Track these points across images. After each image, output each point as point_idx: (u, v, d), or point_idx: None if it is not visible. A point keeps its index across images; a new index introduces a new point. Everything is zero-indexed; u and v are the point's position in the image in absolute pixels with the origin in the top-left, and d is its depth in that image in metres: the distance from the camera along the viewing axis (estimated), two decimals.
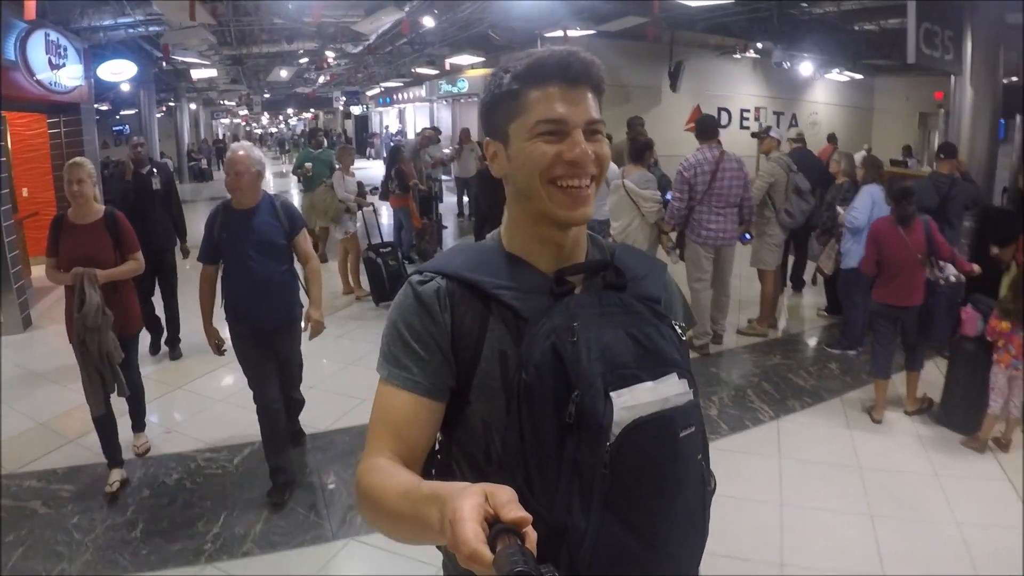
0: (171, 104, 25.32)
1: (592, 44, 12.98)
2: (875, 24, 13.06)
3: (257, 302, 4.21)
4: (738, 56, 14.37)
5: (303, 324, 4.51)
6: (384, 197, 10.47)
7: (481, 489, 0.95)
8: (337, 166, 9.47)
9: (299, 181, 11.37)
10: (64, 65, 9.97)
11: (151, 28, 11.65)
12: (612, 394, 1.18)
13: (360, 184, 9.47)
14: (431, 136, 12.45)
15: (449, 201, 15.17)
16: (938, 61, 7.26)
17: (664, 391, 1.22)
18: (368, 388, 1.37)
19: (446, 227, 13.06)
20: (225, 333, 4.44)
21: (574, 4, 10.74)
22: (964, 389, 5.19)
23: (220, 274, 4.32)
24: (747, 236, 6.80)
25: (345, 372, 6.40)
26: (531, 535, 0.91)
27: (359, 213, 9.17)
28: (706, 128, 6.58)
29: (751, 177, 6.73)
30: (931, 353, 6.02)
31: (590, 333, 1.23)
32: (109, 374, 4.40)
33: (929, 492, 4.44)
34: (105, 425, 4.52)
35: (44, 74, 9.44)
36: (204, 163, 26.74)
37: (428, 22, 11.08)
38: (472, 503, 0.92)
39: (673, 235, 6.69)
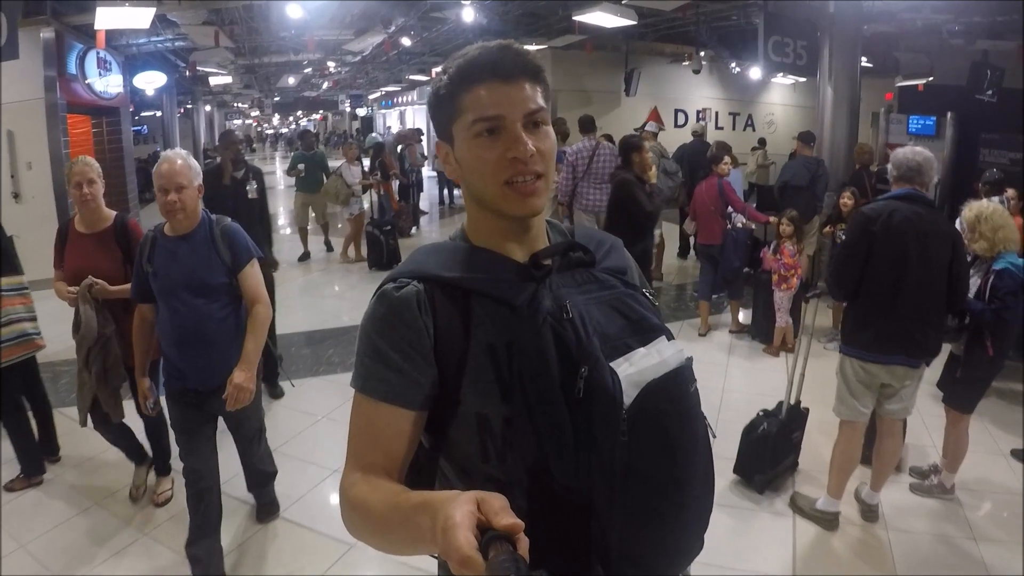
0: (188, 106, 26.92)
1: (555, 53, 15.21)
2: None
3: (188, 356, 3.40)
4: (686, 63, 16.47)
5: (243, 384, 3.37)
6: (377, 185, 12.55)
7: (472, 496, 0.96)
8: (343, 159, 11.49)
9: (295, 181, 11.91)
10: (109, 75, 12.40)
11: (177, 43, 13.96)
12: (612, 364, 1.22)
13: (363, 171, 11.79)
14: (409, 136, 14.78)
15: (432, 193, 17.65)
16: (789, 67, 9.39)
17: (660, 354, 1.28)
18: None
19: (426, 212, 15.44)
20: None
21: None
22: (763, 310, 7.23)
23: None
24: None
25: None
26: (523, 542, 0.92)
27: (369, 193, 11.56)
28: (585, 125, 8.69)
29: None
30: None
31: (580, 310, 1.27)
32: (110, 403, 3.99)
33: (717, 372, 6.46)
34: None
35: (96, 84, 11.88)
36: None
37: (406, 42, 13.25)
38: (464, 510, 0.93)
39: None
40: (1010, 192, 6.86)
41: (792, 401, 4.60)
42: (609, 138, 9.22)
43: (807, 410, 4.68)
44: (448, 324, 1.32)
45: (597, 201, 8.36)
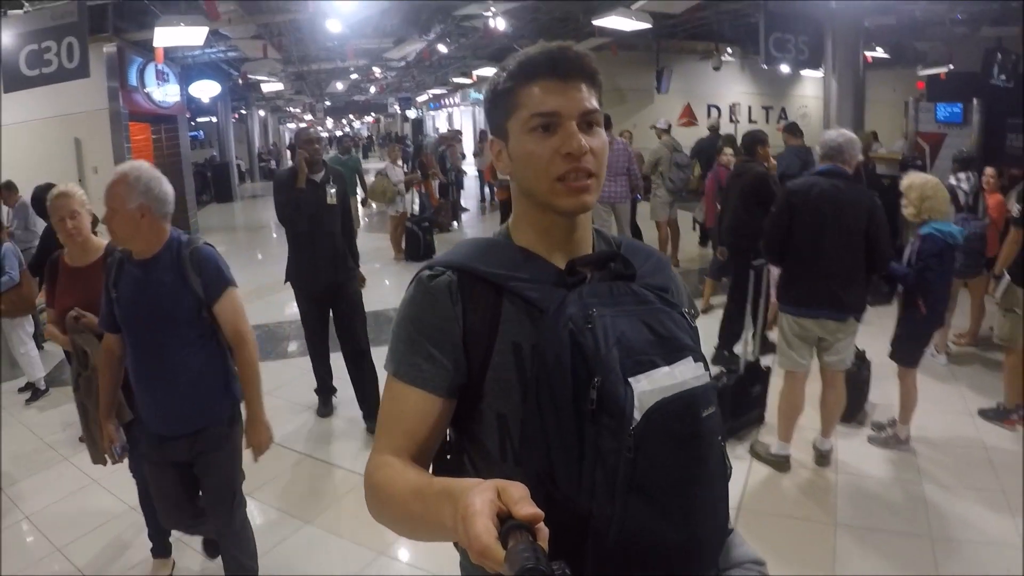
0: (242, 112, 27.91)
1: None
2: None
3: (150, 397, 3.06)
4: (718, 59, 16.99)
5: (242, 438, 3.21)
6: (419, 183, 13.38)
7: (493, 485, 0.96)
8: (386, 160, 12.23)
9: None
10: (166, 85, 13.44)
11: (229, 54, 15.00)
12: (630, 380, 1.20)
13: (404, 171, 12.47)
14: (450, 137, 15.66)
15: (474, 191, 18.56)
16: (791, 61, 9.98)
17: (681, 375, 1.25)
18: None
19: (467, 210, 16.29)
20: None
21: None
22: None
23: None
24: (638, 196, 9.64)
25: None
26: (543, 531, 0.92)
27: (412, 190, 12.19)
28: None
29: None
30: None
31: (606, 321, 1.26)
32: (89, 443, 3.58)
33: (708, 343, 7.09)
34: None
35: (155, 94, 12.97)
36: (273, 164, 30.39)
37: (443, 48, 14.07)
38: (484, 499, 0.94)
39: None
40: (989, 171, 7.33)
41: (751, 358, 5.26)
42: (626, 135, 9.92)
43: (768, 368, 5.33)
44: (478, 316, 1.34)
45: (613, 192, 8.94)
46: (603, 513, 1.20)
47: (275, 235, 15.79)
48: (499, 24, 10.61)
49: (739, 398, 5.16)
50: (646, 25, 10.64)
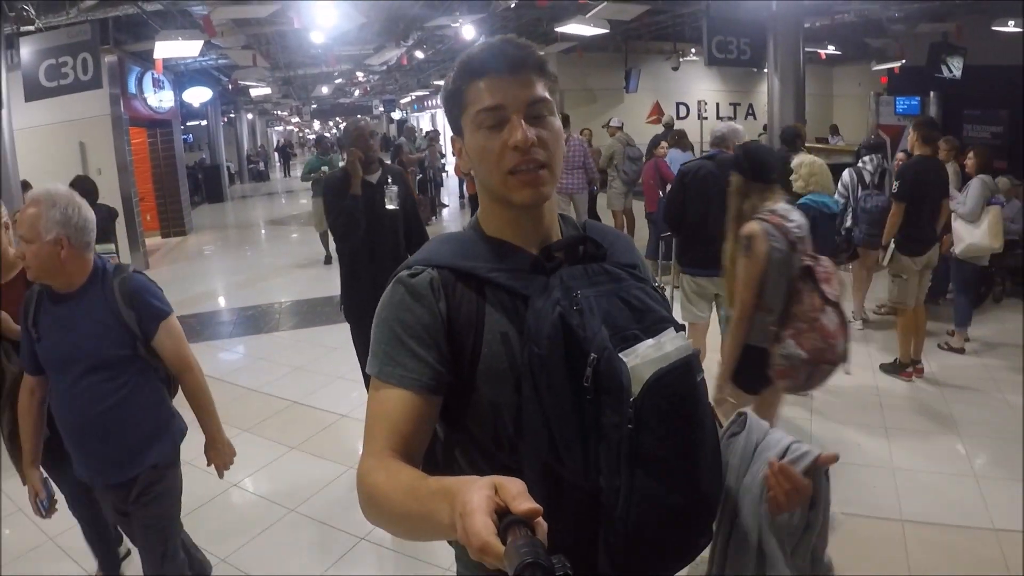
0: (231, 116, 28.83)
1: (559, 56, 16.81)
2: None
3: (81, 452, 2.78)
4: (685, 59, 17.92)
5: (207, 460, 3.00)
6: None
7: (490, 481, 0.97)
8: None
9: (311, 187, 12.09)
10: (162, 91, 14.43)
11: (220, 61, 15.87)
12: (620, 354, 1.26)
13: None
14: (429, 137, 16.72)
15: (454, 186, 19.77)
16: (734, 61, 10.97)
17: (667, 345, 1.30)
18: None
19: (447, 205, 17.36)
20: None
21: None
22: None
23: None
24: (595, 188, 10.62)
25: None
26: (542, 526, 0.92)
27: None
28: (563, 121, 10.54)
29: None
30: None
31: (590, 301, 1.31)
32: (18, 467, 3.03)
33: None
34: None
35: (151, 100, 13.95)
36: (261, 165, 31.57)
37: (420, 55, 15.03)
38: (481, 495, 0.94)
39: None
40: (900, 156, 8.58)
41: None
42: (586, 132, 10.99)
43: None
44: (462, 312, 1.35)
45: (570, 184, 9.93)
46: (611, 487, 1.24)
47: (263, 233, 17.05)
48: (466, 33, 11.54)
49: None
50: (604, 30, 11.60)
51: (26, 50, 8.26)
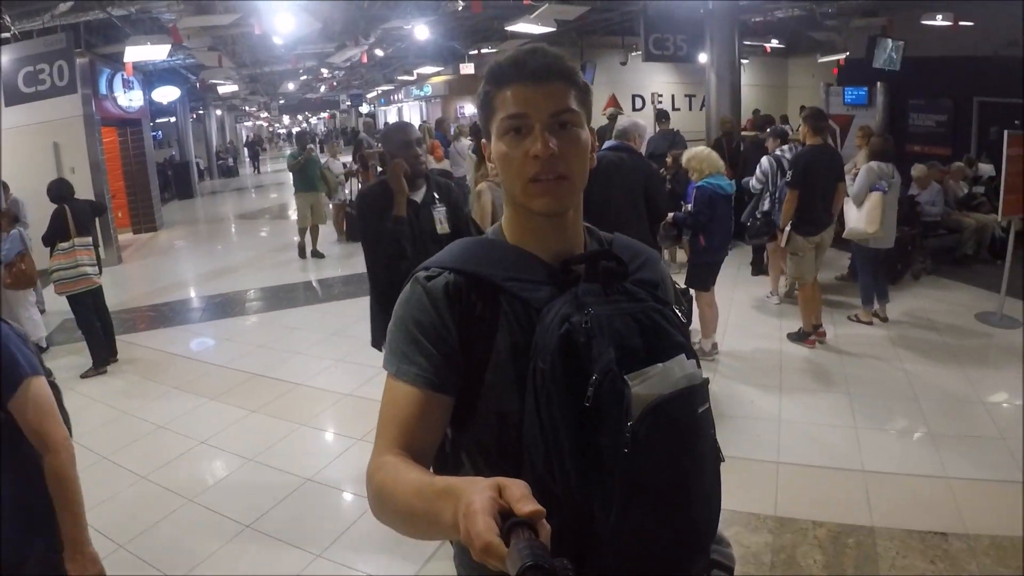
0: (200, 112, 29.28)
1: None
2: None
3: None
4: (635, 53, 18.60)
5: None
6: (356, 174, 15.10)
7: (495, 483, 0.98)
8: (326, 155, 13.87)
9: (293, 181, 12.92)
10: (132, 91, 15.05)
11: (188, 60, 16.45)
12: (626, 377, 1.25)
13: (344, 164, 14.39)
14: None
15: None
16: (671, 56, 11.72)
17: (676, 372, 1.30)
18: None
19: None
20: None
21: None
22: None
23: None
24: None
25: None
26: (545, 528, 0.93)
27: (352, 180, 14.02)
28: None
29: None
30: None
31: (601, 320, 1.30)
32: None
33: None
34: None
35: (121, 100, 14.57)
36: (230, 161, 31.96)
37: (379, 52, 15.70)
38: (485, 496, 0.95)
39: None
40: (859, 132, 9.63)
41: None
42: None
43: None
44: (475, 317, 1.37)
45: None
46: (603, 509, 1.23)
47: (233, 227, 17.75)
48: (420, 33, 12.24)
49: None
50: (551, 28, 12.32)
51: (5, 58, 8.93)
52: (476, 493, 0.97)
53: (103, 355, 7.27)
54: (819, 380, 6.24)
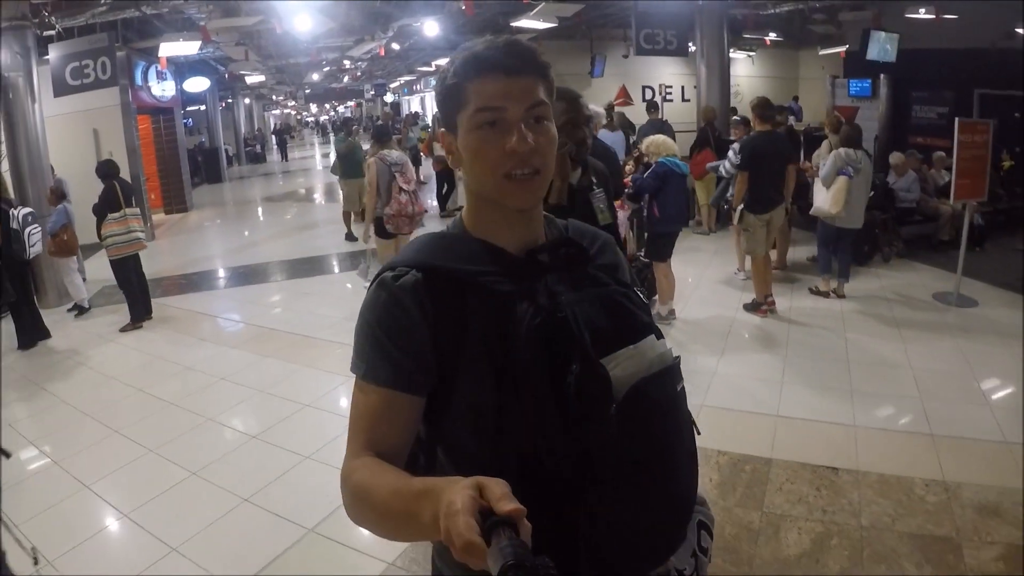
0: (229, 101, 30.18)
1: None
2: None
3: None
4: (627, 47, 19.17)
5: None
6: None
7: (474, 482, 1.00)
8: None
9: (335, 168, 13.16)
10: (164, 82, 16.24)
11: (217, 52, 17.46)
12: (603, 361, 1.30)
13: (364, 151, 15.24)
14: (408, 120, 18.44)
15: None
16: (661, 50, 12.42)
17: (648, 353, 1.35)
18: None
19: (425, 183, 19.12)
20: None
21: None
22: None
23: None
24: None
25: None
26: (526, 527, 0.96)
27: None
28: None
29: None
30: None
31: (573, 307, 1.34)
32: None
33: None
34: None
35: (154, 90, 15.76)
36: (258, 148, 33.16)
37: (396, 47, 16.66)
38: (465, 496, 0.97)
39: None
40: (827, 120, 10.44)
41: None
42: None
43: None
44: (445, 313, 1.37)
45: None
46: (591, 490, 1.28)
47: (259, 208, 18.95)
48: (429, 29, 13.24)
49: None
50: (553, 24, 13.18)
51: (54, 54, 10.09)
52: (456, 493, 0.99)
53: (140, 312, 8.44)
54: (762, 343, 6.84)
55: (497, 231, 1.46)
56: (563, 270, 1.44)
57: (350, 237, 12.77)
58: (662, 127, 11.77)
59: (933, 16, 13.20)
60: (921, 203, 10.81)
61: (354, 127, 14.31)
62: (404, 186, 7.50)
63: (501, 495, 0.98)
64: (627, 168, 8.30)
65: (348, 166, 12.57)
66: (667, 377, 1.38)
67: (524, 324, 1.32)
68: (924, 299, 8.05)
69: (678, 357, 1.42)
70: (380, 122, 14.52)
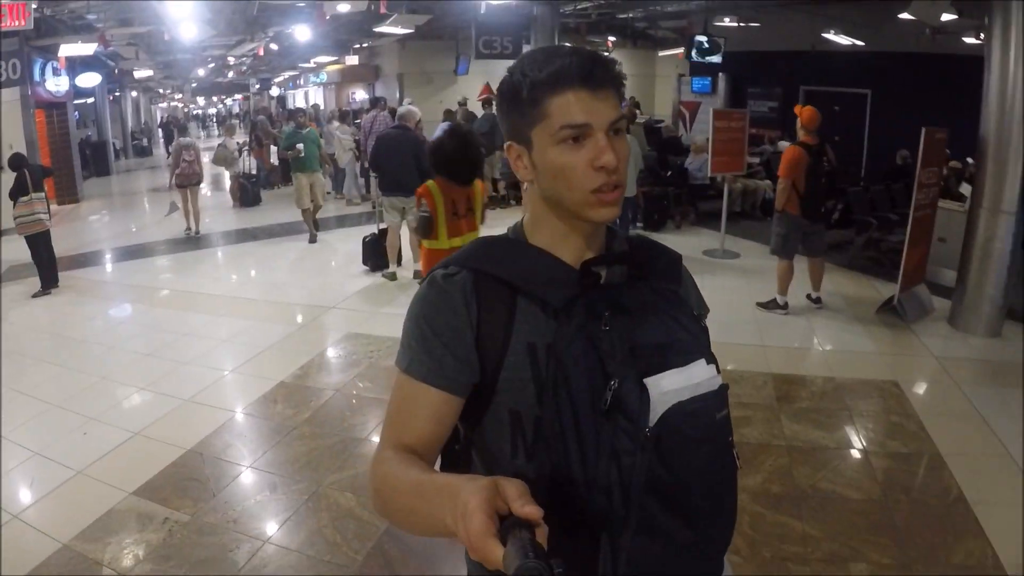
0: (117, 94, 30.57)
1: (401, 44, 20.49)
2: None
3: None
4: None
5: None
6: (250, 151, 17.92)
7: (492, 482, 1.01)
8: (223, 135, 16.43)
9: (291, 162, 12.50)
10: (58, 77, 17.61)
11: (108, 49, 18.87)
12: (645, 381, 1.25)
13: (238, 143, 17.12)
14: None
15: None
16: (498, 55, 14.32)
17: (695, 377, 1.30)
18: None
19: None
20: None
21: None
22: None
23: None
24: None
25: None
26: (542, 529, 0.96)
27: (246, 156, 16.90)
28: (373, 102, 14.52)
29: None
30: None
31: (620, 323, 1.30)
32: None
33: None
34: None
35: (51, 86, 17.15)
36: (145, 142, 33.89)
37: (273, 47, 18.49)
38: (482, 496, 0.98)
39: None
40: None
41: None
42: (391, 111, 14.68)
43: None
44: (492, 317, 1.38)
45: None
46: (618, 512, 1.24)
47: (145, 199, 20.35)
48: (300, 34, 15.05)
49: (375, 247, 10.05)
50: (410, 30, 15.27)
51: None
52: (473, 492, 1.00)
53: (49, 281, 9.94)
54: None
55: (560, 241, 1.45)
56: (619, 284, 1.43)
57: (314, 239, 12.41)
58: (494, 121, 13.65)
59: (736, 23, 15.80)
60: (712, 181, 12.65)
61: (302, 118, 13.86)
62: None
63: (518, 496, 1.00)
64: None
65: (299, 158, 11.96)
66: (709, 403, 1.33)
67: (567, 337, 1.31)
68: (695, 256, 10.19)
69: (725, 385, 1.38)
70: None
